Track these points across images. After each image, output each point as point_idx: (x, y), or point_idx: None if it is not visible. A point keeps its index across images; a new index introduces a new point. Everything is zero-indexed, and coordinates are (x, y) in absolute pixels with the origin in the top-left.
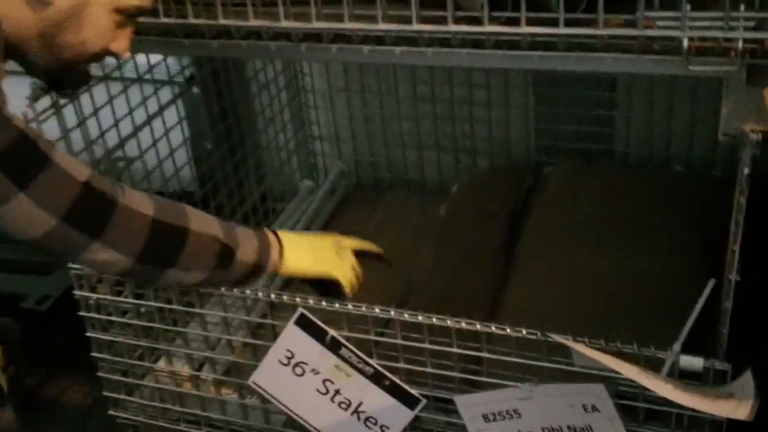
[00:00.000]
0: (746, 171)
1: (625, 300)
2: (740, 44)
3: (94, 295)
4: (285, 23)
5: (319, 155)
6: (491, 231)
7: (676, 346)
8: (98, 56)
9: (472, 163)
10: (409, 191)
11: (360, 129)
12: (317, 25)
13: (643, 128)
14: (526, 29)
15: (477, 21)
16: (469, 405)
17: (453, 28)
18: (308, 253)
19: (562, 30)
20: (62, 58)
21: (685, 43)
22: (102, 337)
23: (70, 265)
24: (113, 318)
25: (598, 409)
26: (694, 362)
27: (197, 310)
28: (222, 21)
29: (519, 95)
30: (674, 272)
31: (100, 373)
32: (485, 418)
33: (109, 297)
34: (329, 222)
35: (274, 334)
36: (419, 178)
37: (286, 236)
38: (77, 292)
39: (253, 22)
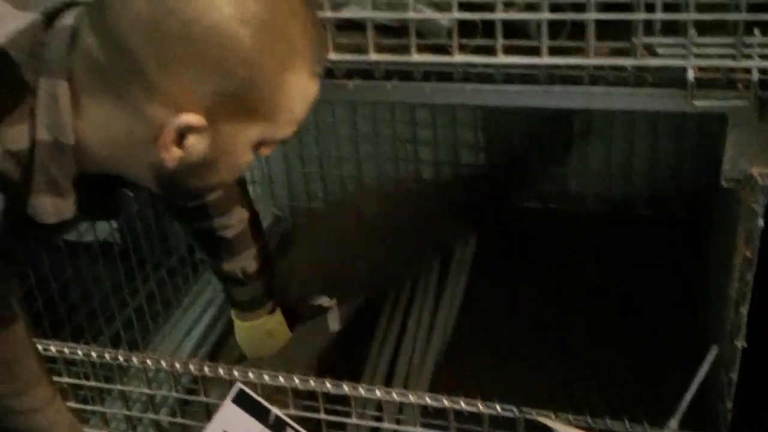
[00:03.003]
0: (760, 223)
1: (594, 366)
2: (755, 74)
3: None
4: None
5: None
6: None
7: (673, 423)
8: None
9: (421, 204)
10: None
11: (295, 171)
12: None
13: (601, 167)
14: (502, 59)
15: (444, 50)
16: None
17: (416, 58)
18: None
19: (546, 60)
20: (180, 194)
21: (691, 74)
22: None
23: None
24: None
25: None
26: None
27: (116, 386)
28: None
29: (468, 134)
30: (651, 330)
31: None
32: None
33: None
34: None
35: (207, 412)
36: None
37: None
38: None
39: None
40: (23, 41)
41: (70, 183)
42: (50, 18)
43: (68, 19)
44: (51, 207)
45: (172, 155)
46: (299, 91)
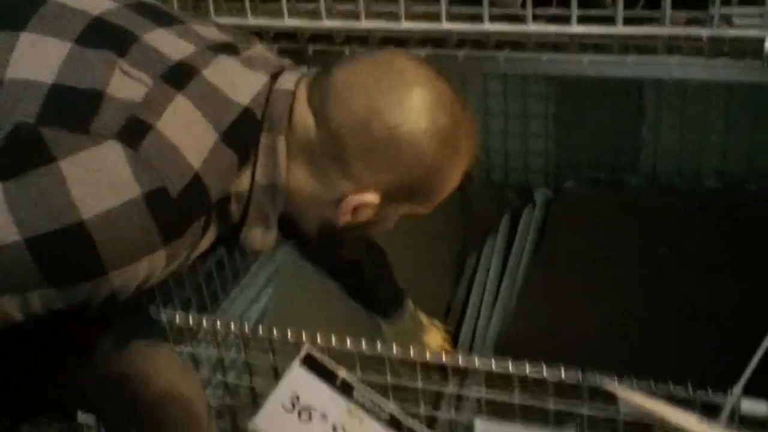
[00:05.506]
0: None
1: (661, 334)
2: None
3: None
4: (290, 22)
5: None
6: None
7: (737, 389)
8: None
9: (485, 177)
10: None
11: None
12: (327, 24)
13: (674, 139)
14: (576, 29)
15: (517, 19)
16: None
17: (489, 27)
18: None
19: (621, 29)
20: (332, 240)
21: None
22: None
23: None
24: None
25: None
26: (757, 407)
27: (186, 348)
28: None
29: (538, 105)
30: (717, 300)
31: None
32: None
33: None
34: None
35: (276, 375)
36: None
37: None
38: None
39: (252, 22)
40: (261, 100)
41: (277, 218)
42: (274, 79)
43: (288, 83)
44: (260, 238)
45: (346, 218)
46: (453, 184)
